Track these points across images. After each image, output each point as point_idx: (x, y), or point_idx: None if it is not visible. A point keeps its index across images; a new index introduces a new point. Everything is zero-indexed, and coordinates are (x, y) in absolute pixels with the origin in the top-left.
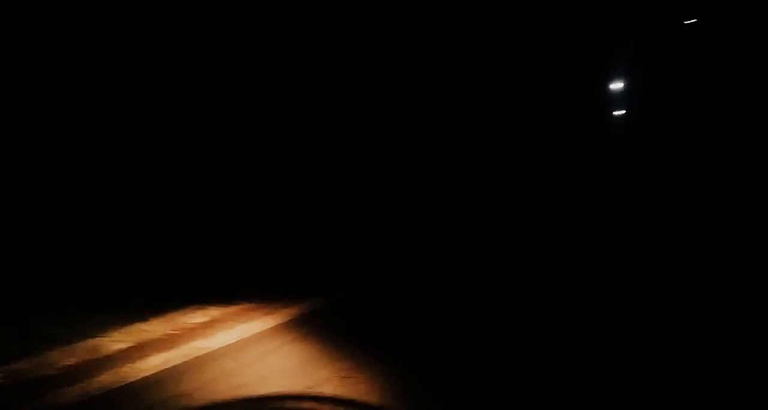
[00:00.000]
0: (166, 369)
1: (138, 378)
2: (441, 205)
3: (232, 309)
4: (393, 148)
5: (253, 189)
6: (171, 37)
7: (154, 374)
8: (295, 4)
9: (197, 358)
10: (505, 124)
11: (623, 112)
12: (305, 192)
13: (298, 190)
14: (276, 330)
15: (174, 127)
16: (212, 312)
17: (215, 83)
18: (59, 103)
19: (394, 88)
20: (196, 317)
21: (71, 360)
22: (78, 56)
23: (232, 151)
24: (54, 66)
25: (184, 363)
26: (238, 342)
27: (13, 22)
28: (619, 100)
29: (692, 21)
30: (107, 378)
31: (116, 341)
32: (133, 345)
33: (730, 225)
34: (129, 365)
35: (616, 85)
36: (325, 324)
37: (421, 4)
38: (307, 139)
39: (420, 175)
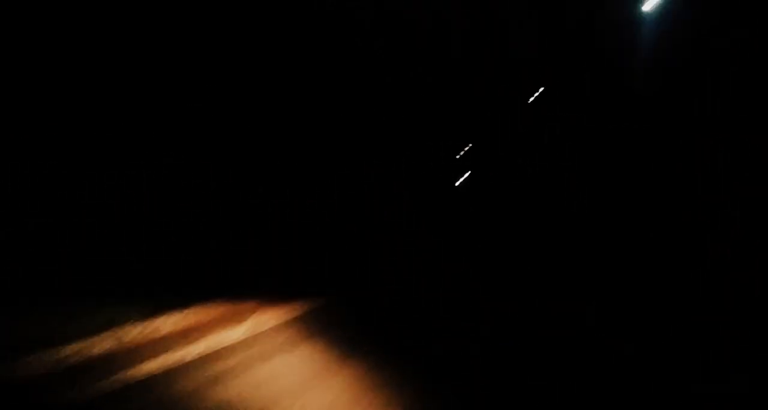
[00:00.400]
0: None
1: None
2: (441, 205)
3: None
4: (393, 148)
5: (253, 189)
6: (171, 37)
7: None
8: (295, 4)
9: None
10: (505, 123)
11: None
12: (305, 192)
13: (298, 190)
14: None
15: (174, 127)
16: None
17: (215, 83)
18: (59, 103)
19: (394, 88)
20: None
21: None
22: (78, 56)
23: (232, 151)
24: (54, 66)
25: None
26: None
27: (13, 22)
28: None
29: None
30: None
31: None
32: (133, 346)
33: (730, 225)
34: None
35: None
36: (327, 325)
37: (421, 4)
38: (307, 138)
39: (420, 174)
